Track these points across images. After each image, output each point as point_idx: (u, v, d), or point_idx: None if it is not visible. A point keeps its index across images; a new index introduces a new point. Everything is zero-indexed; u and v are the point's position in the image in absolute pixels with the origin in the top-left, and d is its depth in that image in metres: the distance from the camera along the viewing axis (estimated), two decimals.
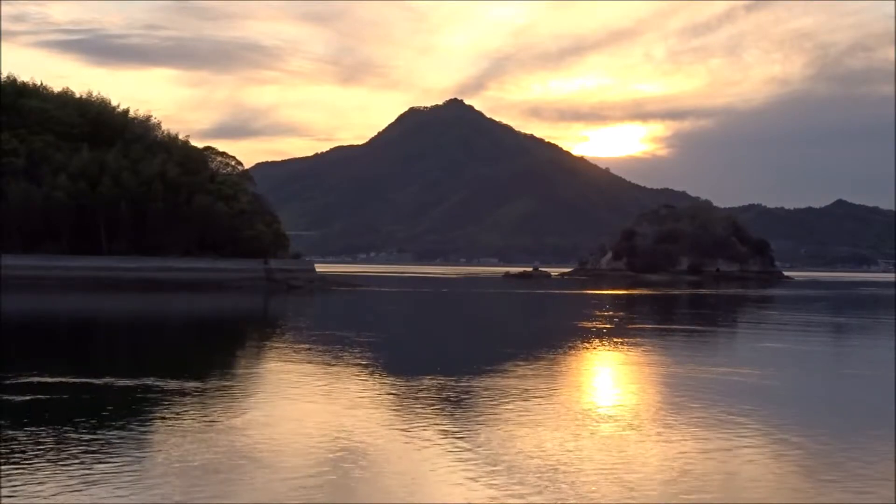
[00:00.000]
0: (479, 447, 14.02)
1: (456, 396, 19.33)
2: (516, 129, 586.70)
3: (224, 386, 20.35)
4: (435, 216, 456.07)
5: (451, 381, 21.53)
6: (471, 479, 12.03)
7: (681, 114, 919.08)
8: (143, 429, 15.19)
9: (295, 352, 28.62)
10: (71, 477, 11.62)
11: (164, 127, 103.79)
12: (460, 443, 14.35)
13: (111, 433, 14.53)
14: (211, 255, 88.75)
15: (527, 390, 20.29)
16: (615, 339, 35.37)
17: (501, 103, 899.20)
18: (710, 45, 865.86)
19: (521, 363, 25.80)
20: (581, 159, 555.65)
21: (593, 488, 11.66)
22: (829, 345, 39.10)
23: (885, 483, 12.24)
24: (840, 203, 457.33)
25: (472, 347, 34.57)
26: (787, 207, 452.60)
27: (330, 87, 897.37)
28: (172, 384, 20.10)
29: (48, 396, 18.18)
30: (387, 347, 31.88)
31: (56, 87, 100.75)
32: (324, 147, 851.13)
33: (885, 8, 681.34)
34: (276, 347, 30.99)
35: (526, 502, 11.01)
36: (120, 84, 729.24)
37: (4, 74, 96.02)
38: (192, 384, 20.21)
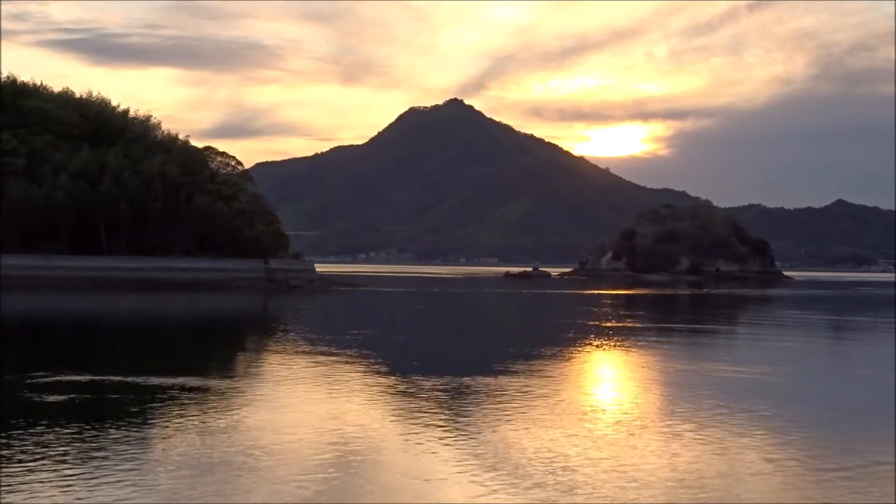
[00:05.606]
0: (481, 447, 14.00)
1: (458, 396, 19.31)
2: (516, 129, 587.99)
3: (224, 386, 20.33)
4: (435, 216, 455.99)
5: (453, 380, 21.50)
6: (473, 478, 12.00)
7: (682, 113, 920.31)
8: (143, 428, 15.17)
9: (295, 352, 28.59)
10: (71, 476, 11.59)
11: (164, 127, 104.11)
12: (462, 442, 14.34)
13: (112, 432, 14.51)
14: (211, 255, 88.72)
15: (529, 389, 20.28)
16: (616, 339, 35.35)
17: (502, 103, 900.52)
18: (712, 44, 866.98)
19: (522, 362, 25.77)
20: (581, 159, 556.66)
21: (595, 488, 11.64)
22: (830, 343, 39.13)
23: (885, 483, 12.23)
24: (840, 203, 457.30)
25: (473, 347, 34.54)
26: (787, 207, 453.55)
27: (330, 86, 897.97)
28: (173, 384, 20.08)
29: (47, 396, 18.15)
30: (388, 347, 31.83)
31: (56, 86, 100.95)
32: (324, 147, 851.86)
33: (886, 8, 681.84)
34: (277, 347, 30.91)
35: (528, 502, 11.00)
36: (120, 84, 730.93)
37: (4, 74, 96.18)
38: (192, 384, 20.19)
